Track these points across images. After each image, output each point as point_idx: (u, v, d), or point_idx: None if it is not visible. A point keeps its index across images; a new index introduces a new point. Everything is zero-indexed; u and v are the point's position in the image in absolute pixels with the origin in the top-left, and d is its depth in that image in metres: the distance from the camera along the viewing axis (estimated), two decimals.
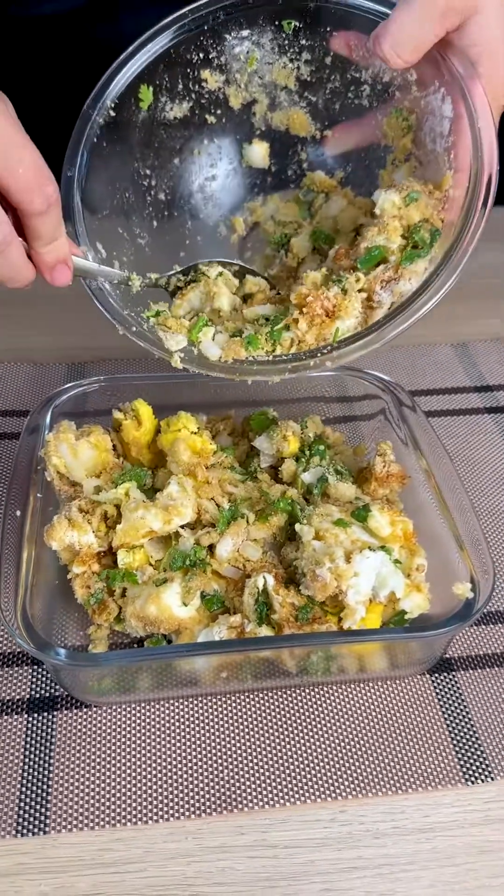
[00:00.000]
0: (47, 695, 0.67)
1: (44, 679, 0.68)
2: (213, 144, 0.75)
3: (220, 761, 0.63)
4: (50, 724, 0.65)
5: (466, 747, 0.65)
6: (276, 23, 0.70)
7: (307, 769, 0.63)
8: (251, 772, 0.62)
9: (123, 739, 0.64)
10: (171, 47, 0.69)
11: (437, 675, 0.69)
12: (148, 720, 0.65)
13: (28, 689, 0.67)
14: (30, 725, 0.65)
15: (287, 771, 0.63)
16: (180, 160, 0.75)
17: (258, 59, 0.72)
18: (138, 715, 0.66)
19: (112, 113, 0.68)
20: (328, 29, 0.69)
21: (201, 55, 0.70)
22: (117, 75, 0.68)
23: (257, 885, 0.57)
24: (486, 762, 0.64)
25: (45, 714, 0.66)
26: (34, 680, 0.68)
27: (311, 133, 0.75)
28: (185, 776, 0.62)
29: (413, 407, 0.82)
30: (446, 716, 0.67)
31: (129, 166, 0.72)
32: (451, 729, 0.66)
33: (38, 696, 0.67)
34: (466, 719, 0.66)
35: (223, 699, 0.67)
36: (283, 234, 0.76)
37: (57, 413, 0.79)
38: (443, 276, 0.64)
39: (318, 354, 0.67)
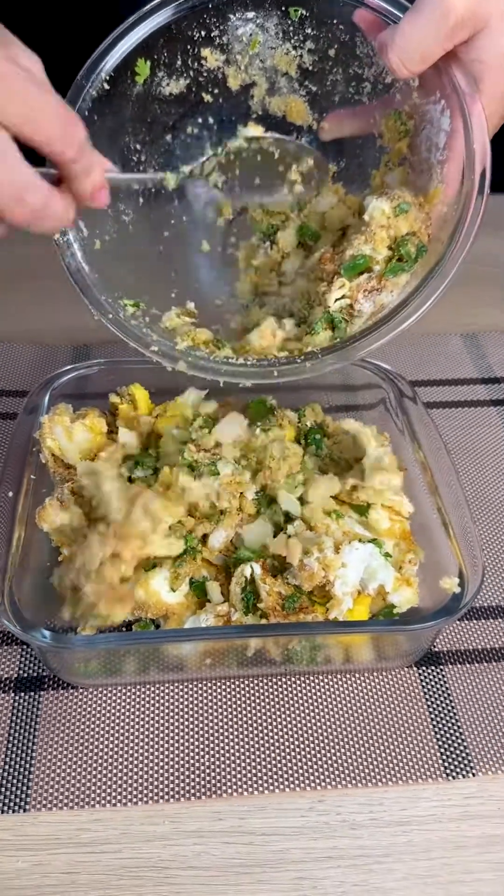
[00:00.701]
0: (35, 675, 0.68)
1: (32, 659, 0.68)
2: (208, 123, 0.73)
3: (201, 747, 0.63)
4: (36, 703, 0.66)
5: (449, 742, 0.64)
6: (283, 8, 0.68)
7: (288, 758, 0.63)
8: (232, 758, 0.63)
9: (107, 721, 0.65)
10: (172, 22, 0.67)
11: (424, 668, 0.69)
12: (133, 703, 0.66)
13: (16, 669, 0.68)
14: (16, 704, 0.66)
15: (267, 759, 0.63)
16: (173, 137, 0.73)
17: (261, 42, 0.70)
18: (123, 698, 0.66)
19: (106, 86, 0.66)
20: (335, 21, 0.68)
21: (203, 33, 0.69)
22: (115, 47, 0.66)
23: (231, 871, 0.58)
24: (468, 758, 0.64)
25: (32, 693, 0.66)
26: (23, 660, 0.69)
27: (308, 123, 0.73)
28: (165, 760, 0.63)
29: (414, 398, 0.81)
30: (431, 709, 0.66)
31: (119, 141, 0.70)
32: (435, 723, 0.66)
33: (25, 675, 0.67)
34: (451, 714, 0.66)
35: (208, 685, 0.67)
36: (269, 224, 0.75)
37: (56, 395, 0.80)
38: (424, 294, 0.63)
39: (292, 363, 0.67)
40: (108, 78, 0.66)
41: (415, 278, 0.65)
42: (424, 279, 0.64)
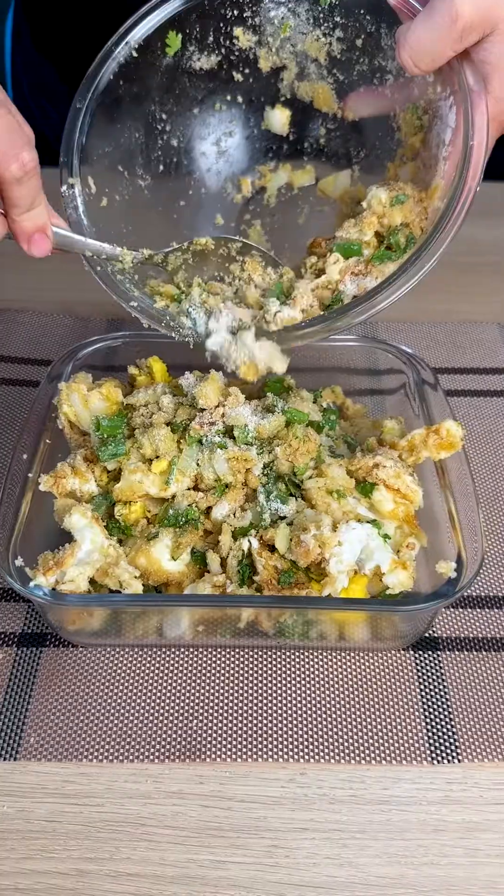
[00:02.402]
0: (38, 631, 0.70)
1: (36, 616, 0.71)
2: (236, 102, 0.75)
3: (191, 711, 0.65)
4: (36, 659, 0.68)
5: (438, 727, 0.64)
6: None
7: (274, 729, 0.64)
8: (219, 725, 0.64)
9: (102, 681, 0.67)
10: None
11: (421, 652, 0.69)
12: (128, 665, 0.67)
13: (21, 625, 0.70)
14: (17, 659, 0.68)
15: (254, 728, 0.64)
16: (200, 110, 0.75)
17: (292, 26, 0.71)
18: (120, 659, 0.68)
19: (135, 53, 0.68)
20: (362, 12, 0.69)
21: (236, 12, 0.70)
22: (147, 17, 0.68)
23: (206, 833, 0.59)
24: (456, 743, 0.63)
25: (34, 649, 0.69)
26: (28, 616, 0.71)
27: (333, 110, 0.74)
28: (155, 721, 0.64)
29: (435, 384, 0.80)
30: (423, 693, 0.66)
31: (144, 107, 0.72)
32: (426, 707, 0.66)
33: (29, 631, 0.70)
34: (443, 699, 0.66)
35: (203, 652, 0.68)
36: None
37: (80, 365, 0.82)
38: (401, 280, 0.63)
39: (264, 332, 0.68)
40: (137, 46, 0.68)
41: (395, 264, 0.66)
42: (403, 265, 0.63)
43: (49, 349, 0.97)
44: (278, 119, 0.76)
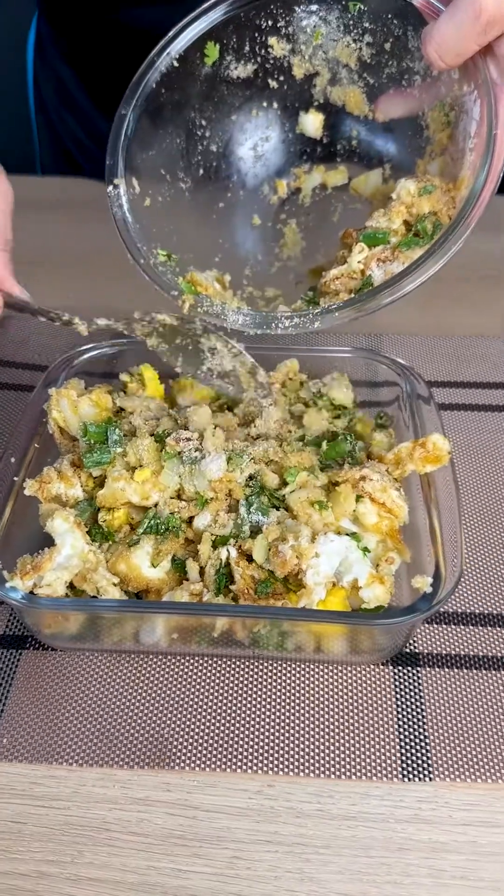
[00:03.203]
0: (18, 634, 0.71)
1: (17, 619, 0.71)
2: (272, 108, 0.78)
3: (162, 718, 0.65)
4: (16, 661, 0.69)
5: (412, 744, 0.63)
6: (343, 2, 0.72)
7: (244, 739, 0.63)
8: (190, 733, 0.64)
9: (77, 684, 0.67)
10: (242, 11, 0.72)
11: (399, 667, 0.68)
12: (104, 670, 0.68)
13: (3, 627, 0.71)
14: None
15: (224, 738, 0.64)
16: (238, 117, 0.79)
17: (324, 34, 0.74)
18: (96, 664, 0.68)
19: (175, 63, 0.72)
20: (389, 16, 0.71)
21: (270, 22, 0.73)
22: (186, 29, 0.72)
23: (169, 841, 0.59)
24: (429, 762, 0.62)
25: (13, 651, 0.69)
26: (10, 619, 0.72)
27: (365, 113, 0.77)
28: (126, 727, 0.64)
29: (428, 398, 0.79)
30: (400, 709, 0.66)
31: (185, 114, 0.76)
32: (400, 723, 0.65)
33: (10, 633, 0.71)
34: (419, 716, 0.65)
35: (179, 660, 0.68)
36: None
37: (75, 372, 0.83)
38: (427, 263, 0.65)
39: (301, 314, 0.71)
40: (178, 56, 0.72)
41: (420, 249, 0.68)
42: (430, 248, 0.66)
43: (55, 357, 0.98)
44: (312, 123, 0.79)
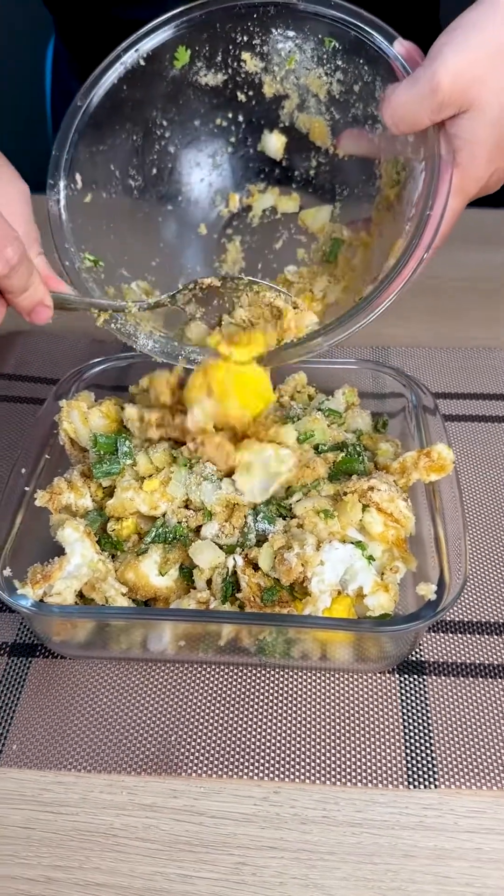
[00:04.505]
0: (29, 642, 0.72)
1: (27, 628, 0.73)
2: (237, 120, 0.78)
3: (169, 725, 0.65)
4: (26, 669, 0.70)
5: (417, 751, 0.64)
6: (319, 37, 0.72)
7: (251, 746, 0.64)
8: (197, 740, 0.64)
9: (86, 692, 0.68)
10: (217, 21, 0.72)
11: (406, 675, 0.69)
12: (112, 677, 0.69)
13: (13, 635, 0.72)
14: (7, 668, 0.70)
15: (231, 745, 0.64)
16: (201, 123, 0.78)
17: (297, 60, 0.74)
18: (105, 671, 0.69)
19: (143, 62, 0.72)
20: (361, 62, 0.71)
21: (245, 38, 0.74)
22: (158, 29, 0.72)
23: (176, 847, 0.59)
24: (434, 769, 0.63)
25: (23, 659, 0.70)
26: (20, 628, 0.73)
27: (327, 146, 0.77)
28: (134, 734, 0.65)
29: (434, 409, 0.80)
30: (405, 717, 0.66)
31: (146, 113, 0.75)
32: (406, 730, 0.65)
33: (20, 642, 0.72)
34: (425, 724, 0.65)
35: (186, 668, 0.69)
36: None
37: (85, 384, 0.84)
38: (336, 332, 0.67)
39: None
40: (146, 55, 0.72)
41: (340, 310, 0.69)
42: (349, 312, 0.67)
43: (66, 370, 1.00)
44: (274, 144, 0.78)
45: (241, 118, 0.77)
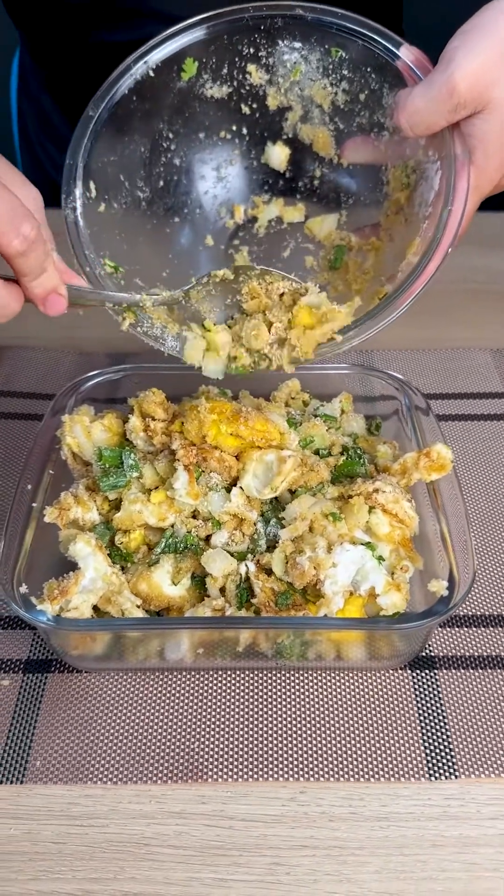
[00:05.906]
0: (43, 658, 0.72)
1: (41, 643, 0.73)
2: (241, 133, 0.79)
3: (192, 733, 0.66)
4: (42, 684, 0.70)
5: (435, 743, 0.65)
6: (326, 47, 0.74)
7: (274, 749, 0.65)
8: (220, 746, 0.65)
9: (105, 704, 0.68)
10: (226, 34, 0.73)
11: (418, 671, 0.70)
12: (130, 688, 0.69)
13: (27, 652, 0.72)
14: (24, 685, 0.70)
15: (255, 748, 0.65)
16: (206, 135, 0.79)
17: (303, 71, 0.76)
18: (122, 683, 0.69)
19: (151, 73, 0.73)
20: (368, 70, 0.73)
21: (252, 50, 0.75)
22: (168, 41, 0.73)
23: (208, 852, 0.60)
24: (453, 760, 0.64)
25: (39, 675, 0.70)
26: (34, 644, 0.73)
27: (331, 156, 0.79)
28: (157, 743, 0.66)
29: (427, 409, 0.82)
30: (420, 711, 0.68)
31: (153, 124, 0.76)
32: (423, 724, 0.67)
33: (35, 658, 0.72)
34: (440, 717, 0.67)
35: (204, 675, 0.70)
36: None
37: (82, 398, 0.84)
38: (365, 326, 0.70)
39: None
40: (155, 67, 0.73)
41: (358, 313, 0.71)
42: (368, 313, 0.70)
43: (55, 384, 1.00)
44: (278, 155, 0.80)
45: (244, 131, 0.79)
